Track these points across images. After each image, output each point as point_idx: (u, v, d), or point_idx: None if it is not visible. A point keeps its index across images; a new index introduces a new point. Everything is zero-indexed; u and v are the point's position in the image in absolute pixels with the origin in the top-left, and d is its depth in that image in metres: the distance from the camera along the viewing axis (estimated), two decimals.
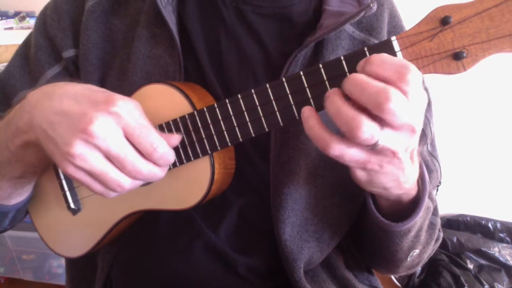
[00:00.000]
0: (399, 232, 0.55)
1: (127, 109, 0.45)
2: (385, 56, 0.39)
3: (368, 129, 0.38)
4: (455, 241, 1.60)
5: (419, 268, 1.63)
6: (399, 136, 0.40)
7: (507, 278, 1.53)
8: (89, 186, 0.47)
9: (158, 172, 0.49)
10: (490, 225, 1.65)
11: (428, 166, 0.66)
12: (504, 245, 1.59)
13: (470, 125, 1.63)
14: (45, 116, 0.46)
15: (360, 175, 0.45)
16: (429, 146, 0.68)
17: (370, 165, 0.42)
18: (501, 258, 1.55)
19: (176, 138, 0.51)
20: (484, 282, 1.50)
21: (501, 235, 1.64)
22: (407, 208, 0.54)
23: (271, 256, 0.62)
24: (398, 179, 0.46)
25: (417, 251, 0.62)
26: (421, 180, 0.53)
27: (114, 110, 0.44)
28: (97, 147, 0.44)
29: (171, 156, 0.49)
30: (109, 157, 0.45)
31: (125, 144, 0.45)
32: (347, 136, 0.40)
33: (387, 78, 0.38)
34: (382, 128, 0.39)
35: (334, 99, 0.40)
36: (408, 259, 0.62)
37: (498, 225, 1.65)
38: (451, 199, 1.69)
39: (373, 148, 0.40)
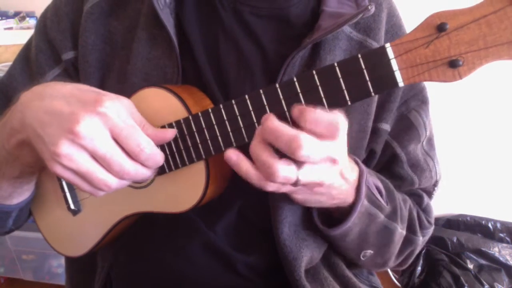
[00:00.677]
0: (333, 236, 0.58)
1: (115, 109, 0.45)
2: (317, 114, 0.41)
3: (283, 173, 0.42)
4: (455, 241, 1.60)
5: (419, 268, 1.63)
6: (320, 169, 0.44)
7: (507, 278, 1.53)
8: (77, 185, 0.47)
9: (145, 173, 0.49)
10: (490, 225, 1.65)
11: (419, 165, 0.67)
12: (504, 245, 1.59)
13: (470, 125, 1.62)
14: (36, 116, 0.46)
15: (296, 198, 0.50)
16: (425, 145, 0.68)
17: (302, 192, 0.48)
18: (501, 258, 1.55)
19: (170, 133, 0.51)
20: (484, 282, 1.50)
21: (501, 235, 1.64)
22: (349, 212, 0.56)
23: (270, 254, 0.62)
24: (331, 195, 0.50)
25: (370, 251, 0.63)
26: (356, 192, 0.54)
27: (101, 111, 0.44)
28: (83, 147, 0.44)
29: (159, 157, 0.49)
30: (95, 157, 0.45)
31: (112, 145, 0.45)
32: (269, 180, 0.43)
33: (320, 135, 0.42)
34: (300, 166, 0.42)
35: (253, 146, 0.44)
36: (363, 258, 0.64)
37: (498, 225, 1.65)
38: (451, 199, 1.69)
39: (296, 185, 0.44)
